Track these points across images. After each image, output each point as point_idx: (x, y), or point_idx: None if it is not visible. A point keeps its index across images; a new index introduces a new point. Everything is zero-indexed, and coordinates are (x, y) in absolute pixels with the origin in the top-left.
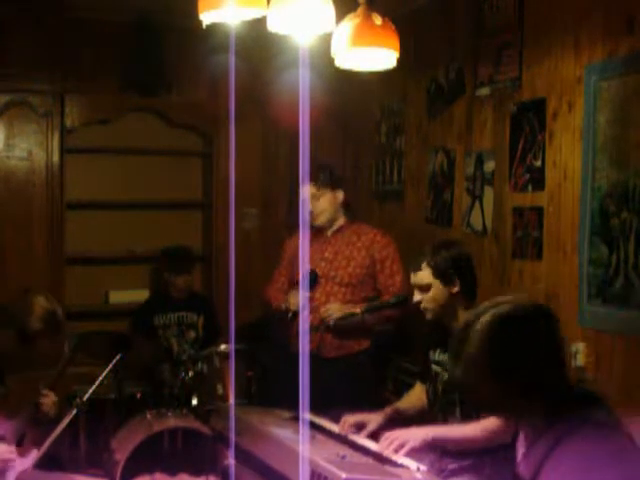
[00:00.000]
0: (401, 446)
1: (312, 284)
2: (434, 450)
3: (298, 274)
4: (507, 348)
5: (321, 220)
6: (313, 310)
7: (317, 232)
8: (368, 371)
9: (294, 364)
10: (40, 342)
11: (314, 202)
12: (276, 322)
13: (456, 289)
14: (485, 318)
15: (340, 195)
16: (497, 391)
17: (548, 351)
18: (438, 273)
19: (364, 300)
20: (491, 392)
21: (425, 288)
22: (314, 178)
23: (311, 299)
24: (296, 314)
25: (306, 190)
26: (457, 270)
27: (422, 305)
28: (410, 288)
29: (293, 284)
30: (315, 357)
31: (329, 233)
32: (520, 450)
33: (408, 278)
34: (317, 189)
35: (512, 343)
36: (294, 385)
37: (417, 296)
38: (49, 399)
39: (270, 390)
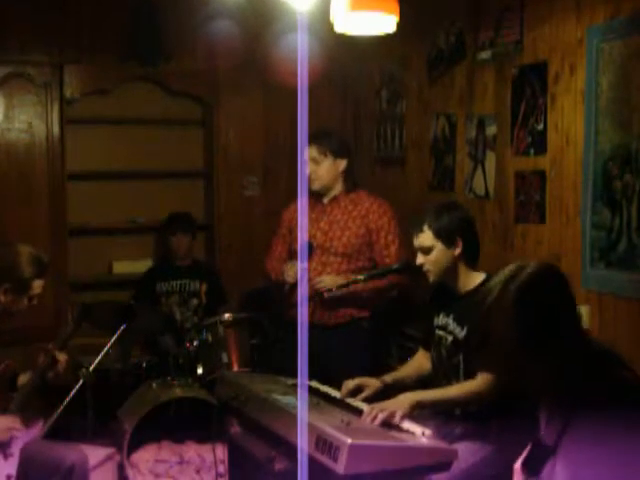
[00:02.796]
0: (391, 416)
1: (307, 255)
2: (437, 415)
3: (295, 243)
4: (529, 316)
5: (316, 186)
6: (308, 281)
7: (315, 201)
8: (368, 338)
9: (293, 333)
10: (35, 289)
11: (313, 166)
12: (277, 291)
13: (458, 250)
14: (506, 290)
15: (342, 164)
16: (521, 356)
17: (565, 312)
18: (440, 234)
19: (360, 270)
20: (514, 357)
21: (427, 250)
22: (317, 142)
23: (307, 270)
24: (294, 286)
25: (306, 152)
26: (459, 231)
27: (425, 267)
28: (411, 254)
29: (294, 253)
30: (311, 326)
31: (325, 201)
32: (542, 416)
33: (406, 246)
34: (318, 153)
35: (533, 310)
36: (294, 354)
37: (420, 259)
38: (62, 358)
39: (273, 358)
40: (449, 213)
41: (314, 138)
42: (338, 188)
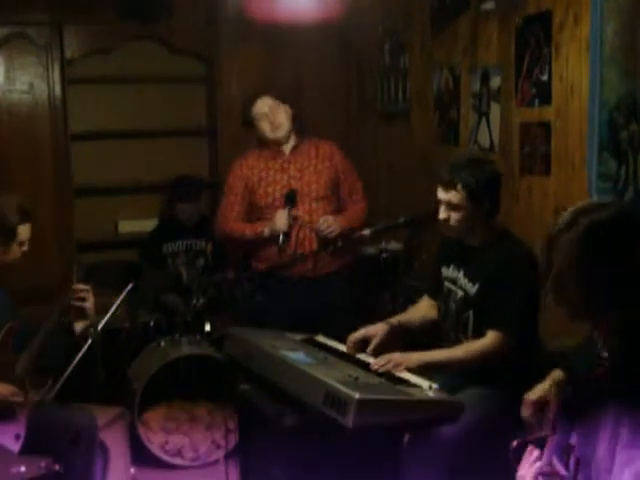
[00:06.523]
0: (396, 366)
1: (294, 203)
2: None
3: (262, 197)
4: (602, 255)
5: (281, 132)
6: (300, 229)
7: (273, 152)
8: (358, 286)
9: (291, 286)
10: (21, 234)
11: (275, 114)
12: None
13: (485, 208)
14: (580, 227)
15: (289, 109)
16: (587, 296)
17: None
18: (473, 195)
19: (334, 212)
20: (580, 298)
21: (456, 207)
22: (269, 91)
23: (295, 218)
24: (288, 235)
25: (265, 102)
26: (489, 191)
27: (450, 222)
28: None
29: (261, 208)
30: (310, 277)
31: (287, 151)
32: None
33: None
34: (274, 100)
35: (606, 251)
36: (293, 307)
37: (444, 213)
38: (88, 293)
39: (273, 313)
40: (483, 172)
41: (264, 90)
42: (294, 136)
